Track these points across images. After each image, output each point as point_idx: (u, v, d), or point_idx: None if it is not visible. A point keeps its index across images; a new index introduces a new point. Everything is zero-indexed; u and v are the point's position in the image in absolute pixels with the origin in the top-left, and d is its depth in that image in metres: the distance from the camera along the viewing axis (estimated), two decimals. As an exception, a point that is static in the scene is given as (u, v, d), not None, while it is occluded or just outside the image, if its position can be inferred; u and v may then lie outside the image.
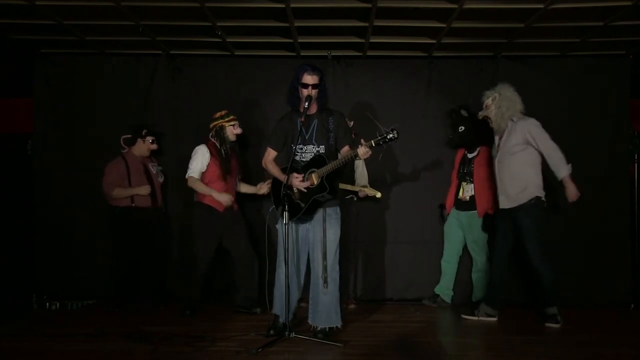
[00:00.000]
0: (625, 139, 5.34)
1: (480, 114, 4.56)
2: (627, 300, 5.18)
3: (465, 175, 5.03)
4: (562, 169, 4.22)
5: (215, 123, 4.71)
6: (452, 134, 5.12)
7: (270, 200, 4.13)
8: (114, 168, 4.89)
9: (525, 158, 4.31)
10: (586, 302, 5.11)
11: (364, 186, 4.97)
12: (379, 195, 4.94)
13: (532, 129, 4.30)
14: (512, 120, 4.38)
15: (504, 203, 4.40)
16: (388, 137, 3.55)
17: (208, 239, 4.67)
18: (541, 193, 4.33)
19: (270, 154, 4.00)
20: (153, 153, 5.11)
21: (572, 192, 4.24)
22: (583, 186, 5.17)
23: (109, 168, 4.89)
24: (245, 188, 4.93)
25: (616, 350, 3.62)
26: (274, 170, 3.98)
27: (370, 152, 3.59)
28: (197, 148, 4.69)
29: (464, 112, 5.03)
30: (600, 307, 5.06)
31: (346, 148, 3.85)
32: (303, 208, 3.79)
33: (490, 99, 4.50)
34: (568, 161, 4.14)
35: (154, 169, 5.05)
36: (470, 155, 5.06)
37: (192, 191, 4.74)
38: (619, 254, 5.25)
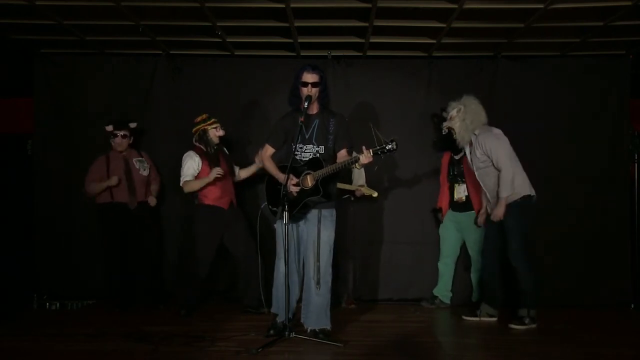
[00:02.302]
0: (625, 139, 5.33)
1: (445, 125, 4.57)
2: (627, 300, 5.17)
3: (457, 177, 5.02)
4: (503, 190, 4.22)
5: (197, 127, 4.69)
6: (436, 138, 5.10)
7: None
8: (94, 166, 4.94)
9: (495, 170, 4.32)
10: (586, 302, 5.11)
11: (361, 186, 4.96)
12: (375, 194, 4.92)
13: (487, 144, 4.28)
14: (474, 134, 4.38)
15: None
16: (387, 147, 3.55)
17: (210, 240, 4.66)
18: (525, 190, 4.31)
19: (268, 150, 3.99)
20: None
21: (498, 213, 4.25)
22: (583, 186, 5.24)
23: (91, 167, 4.94)
24: (244, 173, 4.90)
25: (616, 350, 3.63)
26: (271, 167, 3.96)
27: (371, 159, 3.59)
28: (185, 155, 4.68)
29: (446, 114, 5.03)
30: (600, 307, 5.05)
31: (343, 152, 3.84)
32: (295, 209, 3.75)
33: (455, 111, 4.49)
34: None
35: (137, 163, 5.01)
36: (457, 157, 5.04)
37: (190, 194, 4.72)
38: (619, 254, 5.25)
